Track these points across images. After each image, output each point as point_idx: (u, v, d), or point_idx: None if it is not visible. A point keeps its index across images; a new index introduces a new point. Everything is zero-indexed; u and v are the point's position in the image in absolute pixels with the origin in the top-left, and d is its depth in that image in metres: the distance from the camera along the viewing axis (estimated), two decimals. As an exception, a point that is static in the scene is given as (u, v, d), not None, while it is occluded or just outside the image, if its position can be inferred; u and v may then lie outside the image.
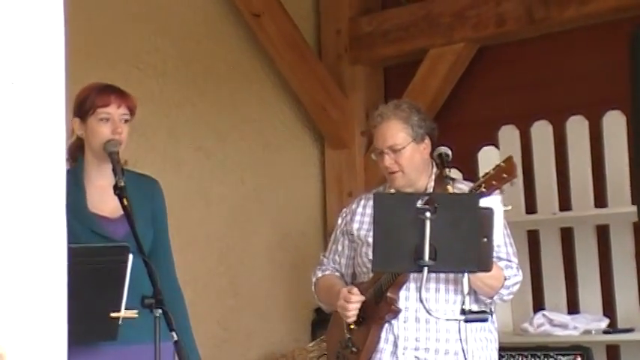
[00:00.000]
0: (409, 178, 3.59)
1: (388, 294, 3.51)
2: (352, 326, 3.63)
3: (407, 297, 3.52)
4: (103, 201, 3.35)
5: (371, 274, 3.62)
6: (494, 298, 3.55)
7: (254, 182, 5.62)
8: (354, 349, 3.61)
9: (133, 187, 3.28)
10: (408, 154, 3.57)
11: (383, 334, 3.56)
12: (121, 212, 3.27)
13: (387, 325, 3.56)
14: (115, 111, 3.35)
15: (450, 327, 3.47)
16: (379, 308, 3.55)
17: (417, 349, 3.53)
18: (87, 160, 3.40)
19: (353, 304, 3.56)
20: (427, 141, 3.62)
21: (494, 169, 3.37)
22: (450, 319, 3.45)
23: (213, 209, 5.46)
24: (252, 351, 5.51)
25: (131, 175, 3.37)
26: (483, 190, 3.35)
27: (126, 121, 3.38)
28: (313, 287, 3.86)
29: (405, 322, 3.53)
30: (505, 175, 3.34)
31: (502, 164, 3.37)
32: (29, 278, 1.69)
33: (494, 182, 3.33)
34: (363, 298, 3.57)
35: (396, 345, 3.54)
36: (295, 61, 5.63)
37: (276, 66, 5.68)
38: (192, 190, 5.39)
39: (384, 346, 3.56)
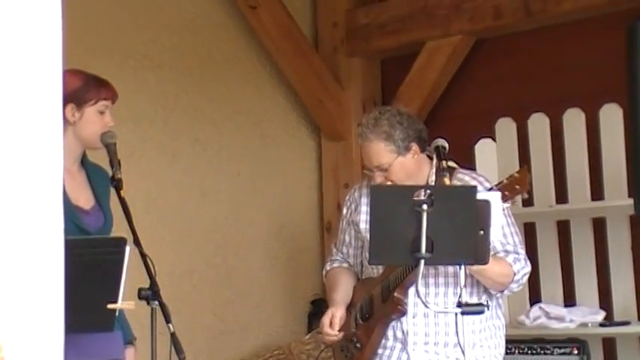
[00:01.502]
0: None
1: (395, 294, 3.50)
2: (359, 321, 3.63)
3: (415, 293, 3.48)
4: (77, 190, 3.37)
5: (379, 268, 3.62)
6: (505, 292, 3.57)
7: (250, 174, 5.62)
8: (357, 345, 3.62)
9: (96, 177, 3.34)
10: (396, 169, 3.55)
11: (391, 331, 3.56)
12: (92, 203, 3.35)
13: (395, 321, 3.56)
14: (111, 105, 3.41)
15: (458, 320, 3.46)
16: (385, 307, 3.54)
17: (426, 343, 3.52)
18: (65, 146, 3.37)
19: (330, 337, 3.64)
20: (415, 147, 3.57)
21: (507, 178, 3.36)
22: (446, 311, 3.46)
23: (209, 201, 5.45)
24: (248, 343, 5.51)
25: (92, 165, 3.42)
26: None
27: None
28: (324, 279, 3.89)
29: (414, 317, 3.53)
30: (518, 187, 3.33)
31: (516, 175, 3.35)
32: (26, 271, 1.69)
33: (506, 193, 3.33)
34: (337, 335, 3.62)
35: (405, 341, 3.54)
36: (292, 53, 5.63)
37: (273, 58, 5.68)
38: (188, 182, 5.38)
39: (394, 343, 3.56)
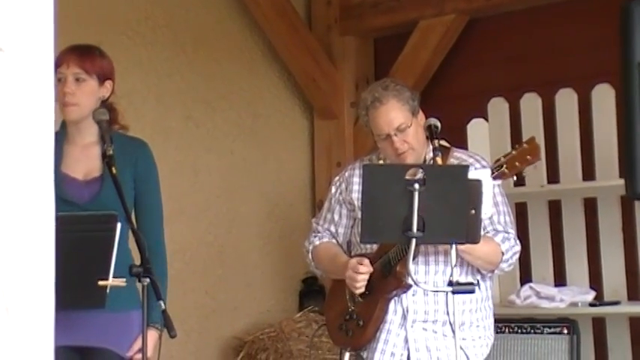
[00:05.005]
0: (418, 153, 3.57)
1: (398, 269, 3.48)
2: (358, 298, 3.61)
3: (416, 270, 3.47)
4: (79, 161, 3.34)
5: (373, 246, 3.61)
6: (495, 271, 3.58)
7: (243, 152, 5.62)
8: (360, 323, 3.59)
9: (118, 152, 3.28)
10: (413, 131, 3.54)
11: (391, 306, 3.55)
12: (95, 175, 3.31)
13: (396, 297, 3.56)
14: (66, 70, 3.32)
15: (457, 299, 3.44)
16: (387, 282, 3.52)
17: (425, 321, 3.53)
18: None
19: (362, 275, 3.53)
20: (421, 112, 3.61)
21: (515, 149, 3.31)
22: (436, 290, 3.47)
23: (201, 179, 5.45)
24: (240, 321, 5.52)
25: (120, 138, 3.37)
26: (505, 171, 3.31)
27: (78, 79, 3.34)
28: (310, 255, 3.80)
29: (413, 295, 3.53)
30: (529, 157, 3.30)
31: (525, 145, 3.31)
32: (16, 247, 1.69)
33: (517, 164, 3.29)
34: (371, 269, 3.53)
35: (404, 317, 3.54)
36: (285, 32, 5.61)
37: (266, 36, 5.66)
38: (180, 160, 5.38)
39: (393, 317, 3.55)
